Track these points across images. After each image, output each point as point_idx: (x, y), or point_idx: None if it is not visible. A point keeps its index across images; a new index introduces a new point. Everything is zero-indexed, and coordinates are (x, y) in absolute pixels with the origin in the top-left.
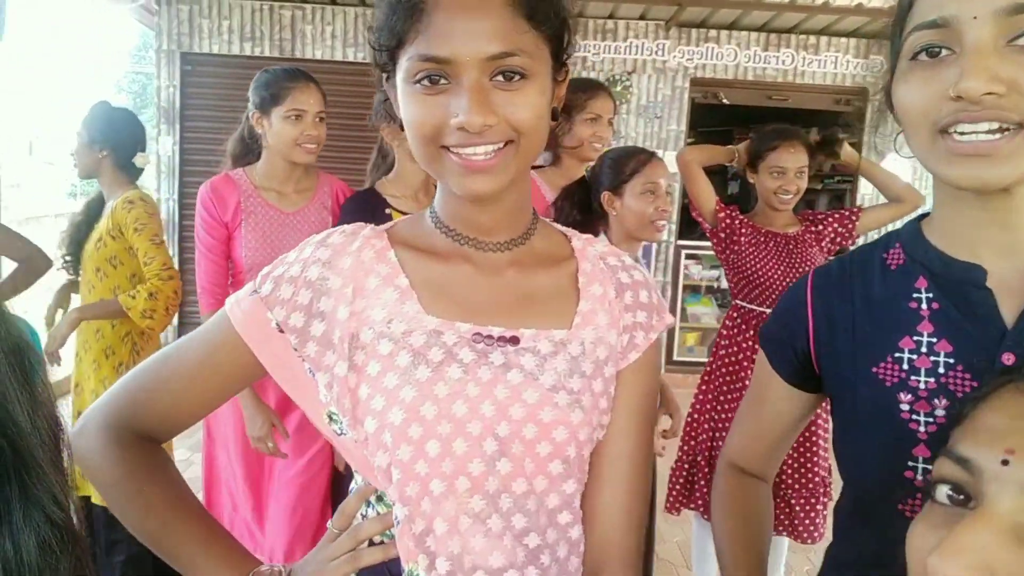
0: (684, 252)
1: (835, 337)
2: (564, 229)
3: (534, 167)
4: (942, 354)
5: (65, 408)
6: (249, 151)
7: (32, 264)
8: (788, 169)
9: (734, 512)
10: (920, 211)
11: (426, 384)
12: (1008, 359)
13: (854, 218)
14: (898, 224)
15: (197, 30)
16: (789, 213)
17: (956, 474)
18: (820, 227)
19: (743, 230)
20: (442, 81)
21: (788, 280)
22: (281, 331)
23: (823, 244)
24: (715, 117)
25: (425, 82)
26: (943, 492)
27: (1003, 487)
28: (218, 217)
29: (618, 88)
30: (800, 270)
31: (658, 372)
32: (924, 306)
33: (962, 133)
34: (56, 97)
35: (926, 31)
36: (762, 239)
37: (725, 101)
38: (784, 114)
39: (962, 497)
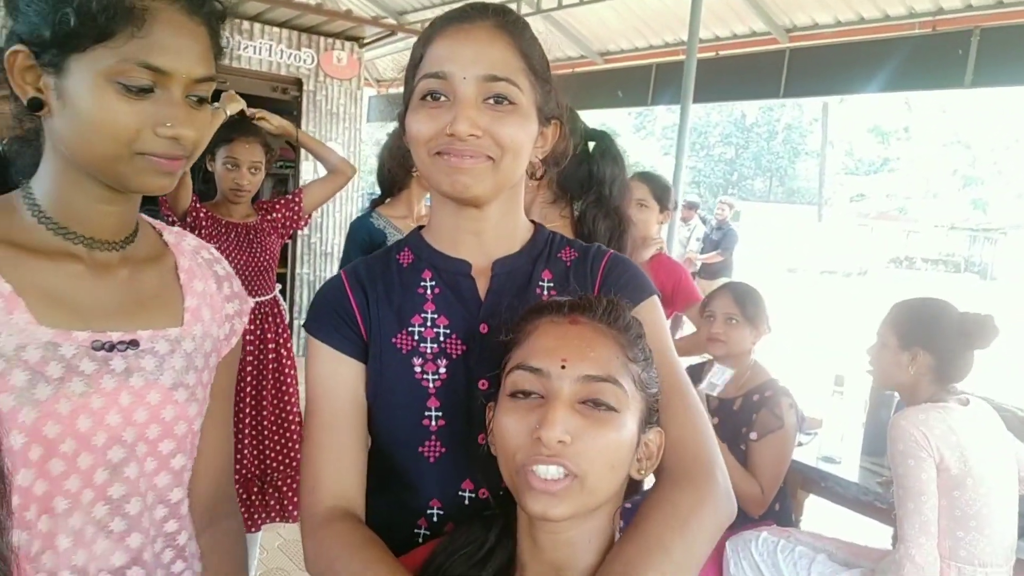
0: None
1: (370, 317)
2: (152, 221)
3: None
4: (441, 326)
5: None
6: None
7: None
8: (242, 162)
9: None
10: (416, 225)
11: (48, 403)
12: (483, 328)
13: (298, 199)
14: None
15: None
16: (247, 203)
17: (529, 379)
18: (273, 215)
19: (205, 222)
20: (146, 88)
21: (251, 269)
22: None
23: (279, 231)
24: None
25: (133, 88)
26: (519, 394)
27: (563, 382)
28: None
29: None
30: (261, 258)
31: (240, 351)
32: (429, 292)
33: (450, 155)
34: None
35: (432, 79)
36: (223, 230)
37: None
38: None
39: (530, 393)
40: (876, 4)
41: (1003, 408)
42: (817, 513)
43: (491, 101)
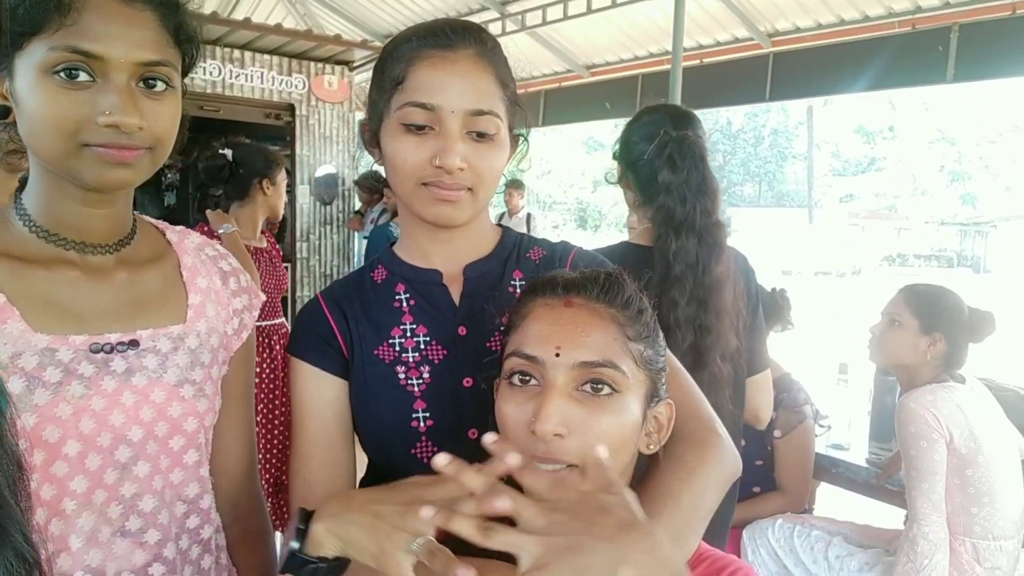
0: None
1: (350, 333)
2: (155, 222)
3: None
4: (421, 335)
5: None
6: None
7: None
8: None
9: None
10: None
11: (46, 407)
12: (462, 330)
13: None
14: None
15: None
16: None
17: (524, 365)
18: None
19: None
20: (83, 77)
21: (275, 291)
22: None
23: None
24: None
25: (62, 75)
26: (516, 379)
27: (558, 370)
28: None
29: None
30: (282, 280)
31: (254, 346)
32: (404, 304)
33: (437, 187)
34: None
35: (418, 110)
36: (253, 256)
37: None
38: (217, 125)
39: (527, 379)
40: (855, 6)
41: (1005, 388)
42: (829, 500)
43: (473, 134)
